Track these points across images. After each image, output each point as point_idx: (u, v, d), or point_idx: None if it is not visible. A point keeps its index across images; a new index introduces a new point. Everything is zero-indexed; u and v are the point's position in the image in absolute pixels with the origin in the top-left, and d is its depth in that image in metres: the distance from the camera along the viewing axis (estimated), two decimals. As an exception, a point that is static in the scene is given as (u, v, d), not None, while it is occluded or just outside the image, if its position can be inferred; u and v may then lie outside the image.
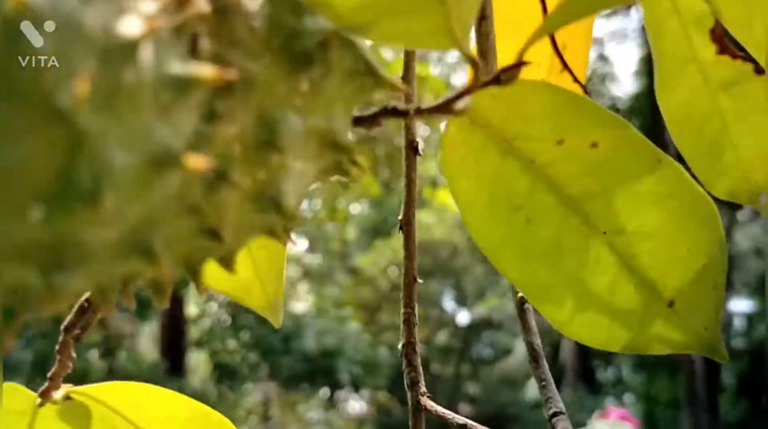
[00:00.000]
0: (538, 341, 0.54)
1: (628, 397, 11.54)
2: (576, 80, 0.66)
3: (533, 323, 0.54)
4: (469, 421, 0.53)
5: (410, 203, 0.56)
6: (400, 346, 0.57)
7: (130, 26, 0.21)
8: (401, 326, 0.57)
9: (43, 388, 0.48)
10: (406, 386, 0.56)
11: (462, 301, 11.37)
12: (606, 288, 0.44)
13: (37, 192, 0.21)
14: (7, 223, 0.21)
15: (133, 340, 10.91)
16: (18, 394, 0.50)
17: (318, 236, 10.10)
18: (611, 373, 11.44)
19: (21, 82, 0.20)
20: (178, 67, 0.23)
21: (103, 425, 0.54)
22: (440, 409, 0.54)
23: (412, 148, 0.53)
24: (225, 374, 9.23)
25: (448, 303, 11.53)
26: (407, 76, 0.47)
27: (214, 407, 0.57)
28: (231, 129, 0.26)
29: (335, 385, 9.94)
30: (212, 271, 0.45)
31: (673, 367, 9.43)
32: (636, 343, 0.46)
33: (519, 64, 0.32)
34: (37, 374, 8.56)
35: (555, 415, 0.50)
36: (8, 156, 0.20)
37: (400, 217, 0.57)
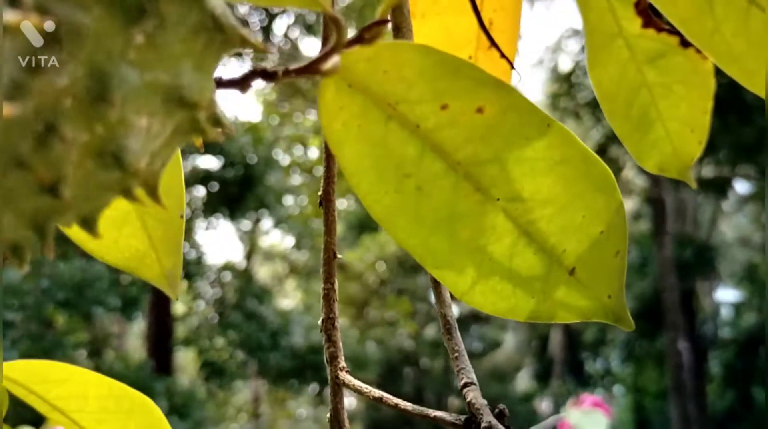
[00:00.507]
0: (451, 313, 0.54)
1: (616, 389, 11.57)
2: (503, 56, 0.66)
3: (447, 295, 0.54)
4: (385, 394, 0.53)
5: (330, 179, 0.56)
6: (320, 321, 0.57)
7: None
8: (321, 302, 0.57)
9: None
10: (325, 361, 0.56)
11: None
12: (505, 255, 0.44)
13: None
14: None
15: (121, 339, 10.89)
16: None
17: (304, 232, 10.09)
18: (600, 365, 11.47)
19: None
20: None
21: (28, 402, 0.54)
22: (358, 383, 0.55)
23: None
24: (213, 372, 9.21)
25: (437, 297, 11.53)
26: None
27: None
28: (58, 81, 0.25)
29: (324, 381, 9.95)
30: (103, 241, 0.45)
31: (661, 358, 9.46)
32: (540, 311, 0.46)
33: (381, 22, 0.32)
34: (23, 375, 8.52)
35: (466, 385, 0.50)
36: None
37: (320, 193, 0.57)
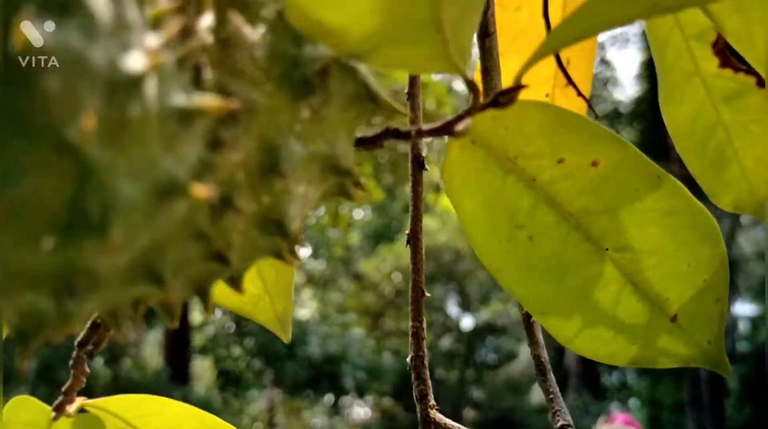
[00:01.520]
0: (545, 354, 0.54)
1: (632, 402, 11.51)
2: (580, 94, 0.67)
3: (540, 336, 0.54)
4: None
5: (417, 217, 0.57)
6: (408, 359, 0.57)
7: (134, 61, 0.21)
8: (410, 339, 0.57)
9: (57, 402, 0.49)
10: (415, 399, 0.56)
11: (466, 306, 11.37)
12: (610, 303, 0.44)
13: (48, 223, 0.21)
14: (20, 252, 0.21)
15: (138, 347, 10.93)
16: (31, 406, 0.50)
17: (321, 242, 10.10)
18: (616, 378, 11.41)
19: (32, 118, 0.20)
20: (182, 99, 0.23)
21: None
22: (449, 422, 0.55)
23: (417, 163, 0.54)
24: (229, 381, 9.23)
25: (452, 308, 11.52)
26: (413, 91, 0.47)
27: (218, 414, 0.57)
28: (235, 156, 0.26)
29: (340, 391, 9.94)
30: (220, 287, 0.45)
31: (678, 371, 9.40)
32: (641, 357, 0.46)
33: (517, 88, 0.32)
34: (41, 383, 8.57)
35: (563, 427, 0.50)
36: (21, 188, 0.20)
37: (407, 232, 0.57)
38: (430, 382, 0.58)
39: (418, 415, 0.56)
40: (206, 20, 0.26)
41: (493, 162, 0.38)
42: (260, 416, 10.91)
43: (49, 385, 8.70)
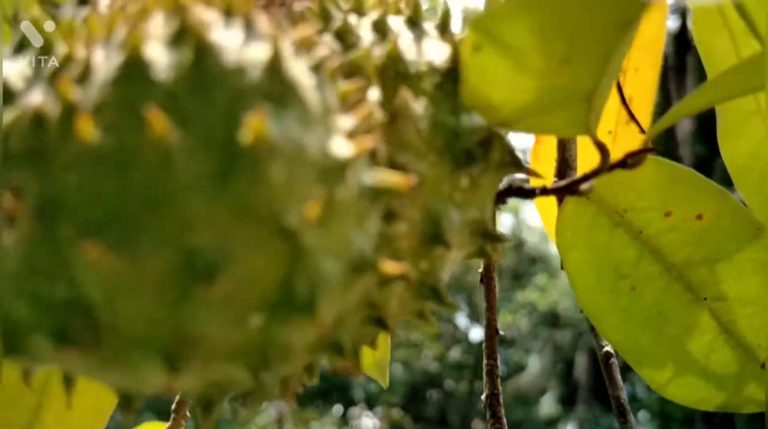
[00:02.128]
0: (624, 395, 0.55)
1: (642, 415, 11.44)
2: (642, 131, 0.68)
3: (619, 377, 0.55)
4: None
5: (489, 266, 0.57)
6: (483, 396, 0.58)
7: (342, 148, 0.22)
8: (484, 378, 0.58)
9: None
10: (488, 438, 0.57)
11: (475, 317, 11.33)
12: (704, 352, 0.45)
13: (258, 302, 0.22)
14: (226, 329, 0.22)
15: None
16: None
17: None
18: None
19: (254, 203, 0.21)
20: (371, 177, 0.24)
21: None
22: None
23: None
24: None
25: (461, 319, 11.49)
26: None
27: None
28: (402, 226, 0.27)
29: (349, 402, 9.92)
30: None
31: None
32: (729, 403, 0.47)
33: (647, 150, 0.33)
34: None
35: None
36: (238, 271, 0.21)
37: (480, 271, 0.58)
38: (504, 420, 0.58)
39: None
40: (374, 95, 0.27)
41: (603, 216, 0.39)
42: (269, 427, 10.90)
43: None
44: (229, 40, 0.22)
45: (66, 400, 0.30)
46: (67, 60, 0.23)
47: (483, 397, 0.58)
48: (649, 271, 0.42)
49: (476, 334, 11.70)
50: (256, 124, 0.21)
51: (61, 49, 0.23)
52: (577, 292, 0.42)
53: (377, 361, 0.47)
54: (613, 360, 0.55)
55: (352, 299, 0.25)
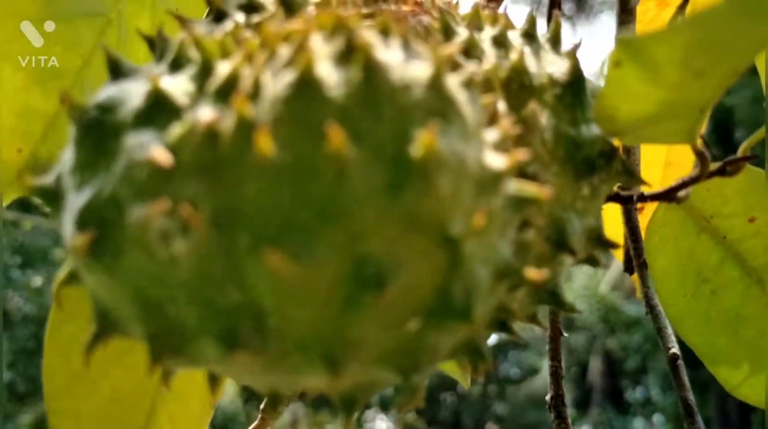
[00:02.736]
0: (691, 397, 0.56)
1: (656, 418, 11.41)
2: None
3: (686, 379, 0.56)
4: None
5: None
6: (548, 398, 0.59)
7: (497, 161, 0.24)
8: (549, 378, 0.59)
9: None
10: (555, 438, 0.58)
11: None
12: (779, 352, 0.46)
13: (417, 307, 0.23)
14: (384, 334, 0.24)
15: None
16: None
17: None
18: (640, 394, 11.32)
19: (418, 214, 0.22)
20: (514, 188, 0.25)
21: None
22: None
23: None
24: (253, 394, 9.24)
25: (475, 323, 11.47)
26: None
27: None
28: (531, 234, 0.28)
29: (364, 405, 9.91)
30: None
31: (704, 386, 9.32)
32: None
33: (746, 158, 0.34)
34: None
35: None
36: (401, 279, 0.23)
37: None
38: (569, 420, 0.59)
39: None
40: (502, 107, 0.28)
41: (691, 221, 0.40)
42: (282, 429, 10.88)
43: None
44: (392, 59, 0.23)
45: (209, 400, 0.31)
46: (233, 78, 0.24)
47: (547, 398, 0.59)
48: (730, 275, 0.43)
49: (490, 337, 11.67)
50: (427, 139, 0.22)
51: (223, 67, 0.25)
52: (661, 295, 0.43)
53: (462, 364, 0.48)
54: (680, 362, 0.56)
55: (493, 304, 0.26)
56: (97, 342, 0.27)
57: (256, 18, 0.29)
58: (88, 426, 0.34)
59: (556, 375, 0.58)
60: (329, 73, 0.23)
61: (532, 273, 0.25)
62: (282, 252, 0.22)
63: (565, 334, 0.60)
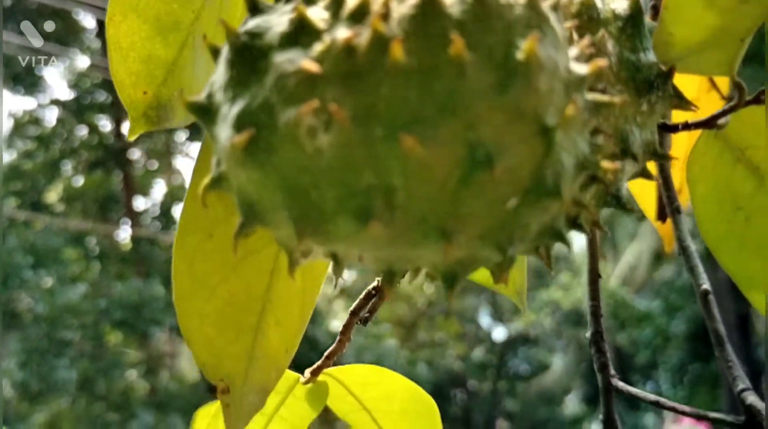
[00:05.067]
0: (721, 328, 0.61)
1: (667, 413, 11.44)
2: (723, 97, 0.74)
3: (716, 312, 0.61)
4: (660, 399, 0.60)
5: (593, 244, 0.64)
6: (588, 334, 0.64)
7: (580, 68, 0.29)
8: (588, 317, 0.64)
9: (316, 365, 0.56)
10: (596, 370, 0.63)
11: (498, 316, 11.40)
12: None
13: (517, 187, 0.29)
14: (488, 211, 0.29)
15: (174, 359, 11.05)
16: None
17: (356, 254, 10.15)
18: (650, 388, 11.34)
19: (522, 106, 0.28)
20: (593, 95, 0.30)
21: (337, 401, 0.61)
22: (631, 389, 0.62)
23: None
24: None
25: (484, 319, 11.56)
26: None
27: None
28: (601, 139, 0.33)
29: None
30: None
31: (715, 381, 9.35)
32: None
33: (779, 87, 0.39)
34: (83, 393, 8.69)
35: (743, 390, 0.57)
36: (506, 160, 0.28)
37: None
38: (608, 354, 0.64)
39: (600, 383, 0.63)
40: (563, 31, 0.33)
41: (727, 152, 0.46)
42: (295, 427, 10.85)
43: (90, 397, 8.82)
44: (496, -17, 0.28)
45: (307, 312, 0.36)
46: (363, 5, 0.29)
47: (588, 334, 0.64)
48: (762, 203, 0.48)
49: (499, 333, 11.75)
50: (530, 46, 0.27)
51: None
52: (700, 221, 0.48)
53: (516, 288, 0.54)
54: (711, 297, 0.61)
55: (573, 193, 0.31)
56: (242, 231, 0.32)
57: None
58: (210, 324, 0.40)
59: (595, 314, 0.63)
60: (446, -5, 0.28)
61: (607, 163, 0.30)
62: (413, 137, 0.27)
63: (602, 276, 0.65)
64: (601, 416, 0.63)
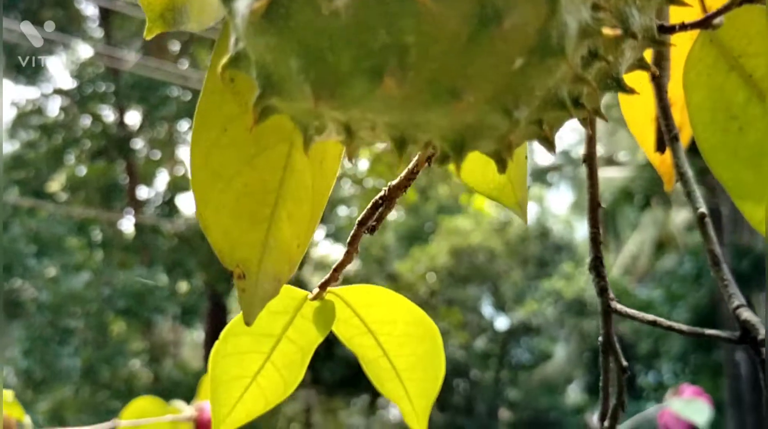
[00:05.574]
0: (718, 249, 0.63)
1: (668, 389, 11.47)
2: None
3: (713, 234, 0.63)
4: (658, 318, 0.62)
5: (592, 142, 0.66)
6: (588, 260, 0.66)
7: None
8: (589, 244, 0.66)
9: (324, 279, 0.58)
10: (596, 294, 0.65)
11: (500, 306, 11.43)
12: (799, 187, 0.53)
13: (523, 46, 0.31)
14: (496, 69, 0.31)
15: (177, 348, 11.09)
16: (286, 292, 0.59)
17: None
18: (652, 378, 11.38)
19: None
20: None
21: (343, 325, 0.63)
22: (629, 311, 0.64)
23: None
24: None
25: (487, 308, 11.58)
26: None
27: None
28: (601, 14, 0.35)
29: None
30: (475, 176, 0.55)
31: (718, 370, 9.38)
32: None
33: (770, -15, 0.41)
34: (86, 381, 8.74)
35: (738, 307, 0.59)
36: (512, 19, 0.30)
37: (583, 153, 0.66)
38: (608, 280, 0.66)
39: (600, 307, 0.65)
40: None
41: (722, 59, 0.47)
42: (297, 416, 10.98)
43: (93, 385, 8.86)
44: None
45: (318, 209, 0.38)
46: None
47: (588, 260, 0.66)
48: (755, 113, 0.50)
49: (501, 323, 11.78)
50: None
51: None
52: (695, 130, 0.50)
53: (518, 201, 0.56)
54: (707, 219, 0.63)
55: (577, 61, 0.33)
56: (259, 102, 0.34)
57: None
58: (225, 213, 0.42)
59: (595, 240, 0.65)
60: None
61: (608, 30, 0.32)
62: (425, -7, 0.29)
63: (602, 205, 0.67)
64: (600, 338, 0.65)
